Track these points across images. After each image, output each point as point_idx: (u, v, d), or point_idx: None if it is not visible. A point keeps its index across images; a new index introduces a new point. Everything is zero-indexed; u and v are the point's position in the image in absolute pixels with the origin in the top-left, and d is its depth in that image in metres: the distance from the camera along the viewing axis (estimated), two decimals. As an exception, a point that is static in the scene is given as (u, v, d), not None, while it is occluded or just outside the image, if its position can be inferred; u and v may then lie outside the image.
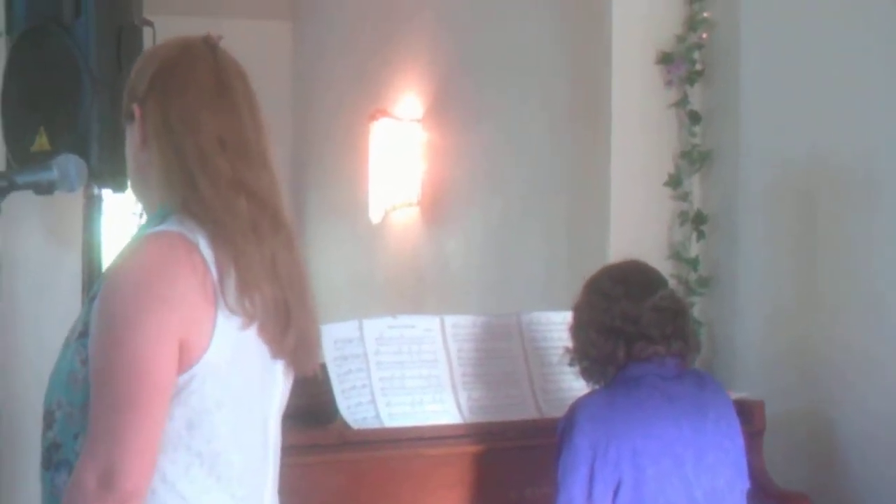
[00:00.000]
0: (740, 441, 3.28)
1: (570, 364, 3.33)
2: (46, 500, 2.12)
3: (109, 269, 2.15)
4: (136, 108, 2.23)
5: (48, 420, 2.12)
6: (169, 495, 2.08)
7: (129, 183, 2.34)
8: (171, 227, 2.13)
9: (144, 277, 2.07)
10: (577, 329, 3.30)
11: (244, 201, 2.18)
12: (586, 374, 3.29)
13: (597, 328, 3.22)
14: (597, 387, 3.25)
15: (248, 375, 2.19)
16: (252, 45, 7.29)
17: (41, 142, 4.40)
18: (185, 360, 2.08)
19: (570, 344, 3.33)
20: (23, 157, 4.41)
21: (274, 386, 2.27)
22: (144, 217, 2.28)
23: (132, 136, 2.26)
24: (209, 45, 2.26)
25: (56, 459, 2.10)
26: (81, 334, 2.11)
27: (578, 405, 3.14)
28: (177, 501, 2.08)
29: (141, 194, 2.29)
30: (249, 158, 2.23)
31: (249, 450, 2.22)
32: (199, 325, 2.09)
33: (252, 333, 2.17)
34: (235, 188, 2.18)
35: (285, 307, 2.21)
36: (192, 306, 2.08)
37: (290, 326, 2.22)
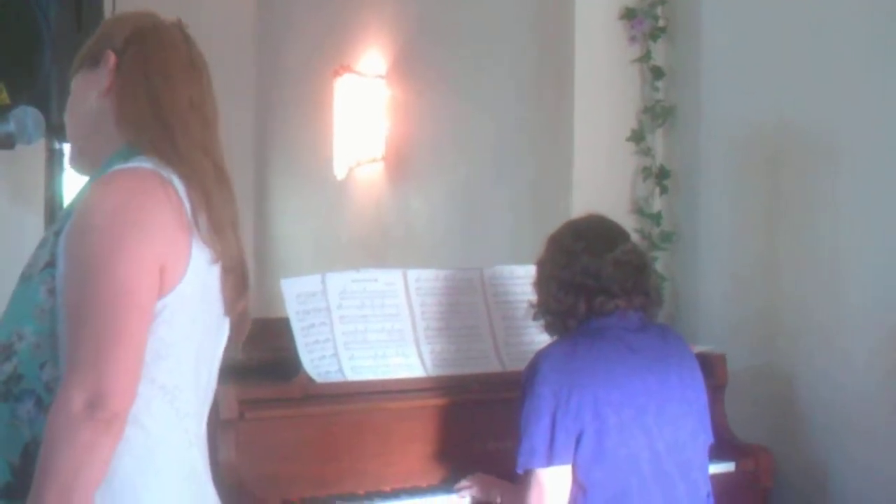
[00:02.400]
0: (703, 395, 3.29)
1: (534, 318, 3.35)
2: (6, 431, 2.11)
3: (80, 201, 2.15)
4: (110, 54, 2.26)
5: (6, 353, 2.13)
6: (131, 428, 2.08)
7: (71, 127, 2.33)
8: (141, 163, 2.16)
9: (121, 207, 2.09)
10: (540, 284, 3.32)
11: (210, 164, 2.24)
12: (549, 328, 3.31)
13: (558, 283, 3.23)
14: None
15: (211, 313, 2.23)
16: (216, 1, 7.26)
17: (1, 97, 4.37)
18: (162, 287, 2.11)
19: (533, 298, 3.35)
20: (-18, 112, 4.38)
21: (222, 335, 2.32)
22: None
23: (93, 81, 2.28)
24: (179, 27, 2.34)
25: (17, 391, 2.10)
26: (48, 264, 2.13)
27: (542, 355, 3.16)
28: (139, 433, 2.10)
29: (87, 140, 2.30)
30: (211, 128, 2.30)
31: (202, 388, 2.25)
32: (175, 253, 2.13)
33: (216, 275, 2.22)
34: (203, 150, 2.24)
35: (243, 270, 2.29)
36: (169, 234, 2.12)
37: (245, 290, 2.30)
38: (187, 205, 2.16)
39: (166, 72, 2.25)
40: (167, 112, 2.22)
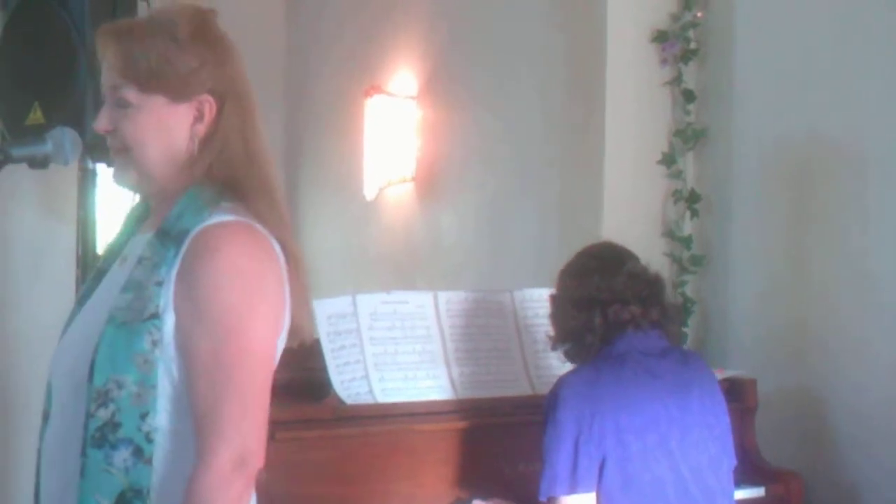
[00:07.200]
0: (725, 418, 3.28)
1: (553, 349, 3.36)
2: (99, 476, 2.13)
3: (195, 256, 2.15)
4: (212, 103, 2.25)
5: (102, 399, 2.13)
6: None
7: (144, 151, 2.25)
8: (243, 217, 2.20)
9: (247, 265, 2.15)
10: (555, 312, 3.33)
11: (284, 208, 2.31)
12: (569, 355, 3.31)
13: (573, 302, 3.24)
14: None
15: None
16: (246, 19, 7.28)
17: (36, 116, 4.39)
18: None
19: (550, 331, 3.35)
20: (17, 131, 4.40)
21: None
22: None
23: (182, 116, 2.25)
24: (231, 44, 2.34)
25: (113, 438, 2.12)
26: (153, 315, 2.13)
27: (563, 381, 3.16)
28: None
29: (161, 169, 2.26)
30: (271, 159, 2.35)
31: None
32: (282, 310, 2.21)
33: None
34: (279, 195, 2.31)
35: None
36: (281, 291, 2.21)
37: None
38: (284, 268, 2.22)
39: (257, 123, 2.29)
40: (260, 173, 2.26)
